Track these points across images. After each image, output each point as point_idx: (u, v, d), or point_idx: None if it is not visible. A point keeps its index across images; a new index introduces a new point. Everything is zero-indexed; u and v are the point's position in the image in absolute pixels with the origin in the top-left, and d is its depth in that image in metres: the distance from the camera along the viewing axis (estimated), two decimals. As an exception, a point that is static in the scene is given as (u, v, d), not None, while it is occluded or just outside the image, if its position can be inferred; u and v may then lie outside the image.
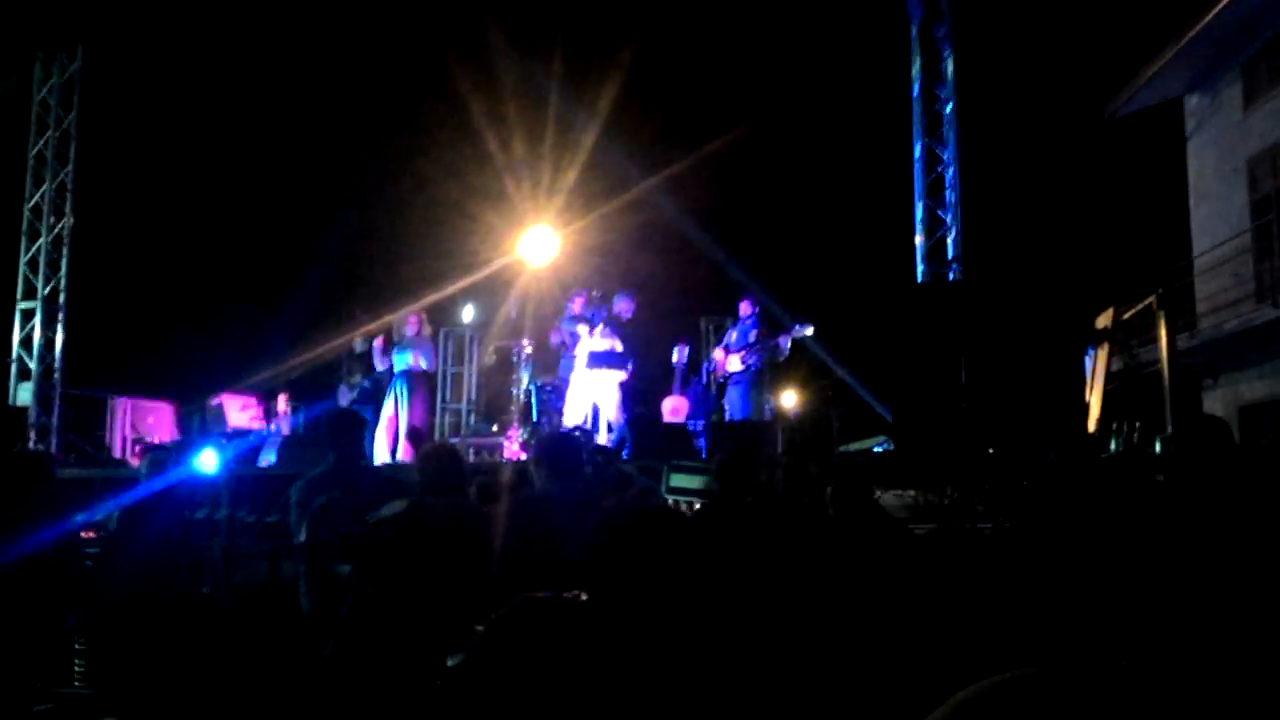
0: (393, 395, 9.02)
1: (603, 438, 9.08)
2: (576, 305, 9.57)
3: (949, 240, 9.56)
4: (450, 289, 10.54)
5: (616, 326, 9.28)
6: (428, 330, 9.23)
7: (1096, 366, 7.42)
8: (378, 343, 9.18)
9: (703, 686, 1.55)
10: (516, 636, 1.52)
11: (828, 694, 2.53)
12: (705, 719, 1.54)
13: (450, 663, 1.72)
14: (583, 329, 9.34)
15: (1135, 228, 10.34)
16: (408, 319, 9.14)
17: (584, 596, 1.67)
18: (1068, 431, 6.62)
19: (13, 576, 3.11)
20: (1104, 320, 7.61)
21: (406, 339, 9.06)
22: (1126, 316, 7.41)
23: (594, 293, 9.57)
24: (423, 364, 9.13)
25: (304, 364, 11.08)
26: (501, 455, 9.30)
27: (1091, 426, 6.96)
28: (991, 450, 6.65)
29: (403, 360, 9.02)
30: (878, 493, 7.37)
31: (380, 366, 9.16)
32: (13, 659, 3.17)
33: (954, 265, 9.32)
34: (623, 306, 9.35)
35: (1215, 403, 12.32)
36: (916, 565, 3.58)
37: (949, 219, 9.59)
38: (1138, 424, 7.08)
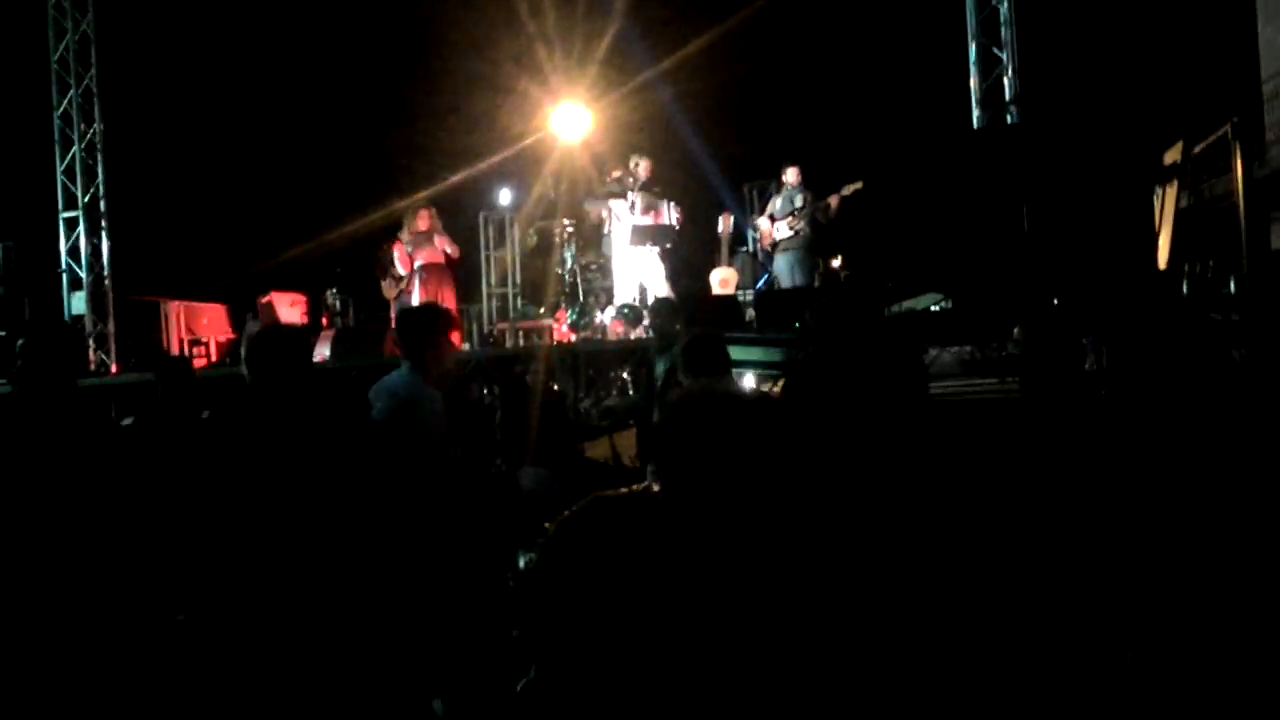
0: (421, 290, 9.04)
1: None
2: (612, 179, 9.34)
3: (1005, 81, 9.05)
4: (483, 166, 10.31)
5: (649, 193, 9.07)
6: (439, 224, 9.16)
7: (1165, 204, 7.08)
8: (398, 248, 9.13)
9: (795, 579, 1.46)
10: (588, 535, 1.44)
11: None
12: (796, 615, 1.46)
13: (521, 562, 1.64)
14: (619, 203, 9.14)
15: (1200, 56, 9.68)
16: (418, 214, 9.08)
17: (655, 488, 1.57)
18: (1138, 274, 6.35)
19: None
20: (1173, 155, 7.21)
21: (418, 236, 9.02)
22: (1198, 150, 7.00)
23: (629, 164, 9.34)
24: (443, 256, 9.13)
25: (347, 256, 11.04)
26: (550, 337, 9.26)
27: (1162, 265, 6.67)
28: (1057, 300, 6.42)
29: (420, 255, 9.03)
30: (934, 350, 7.23)
31: (403, 270, 9.15)
32: None
33: (1012, 108, 8.83)
34: (643, 170, 9.14)
35: (1285, 236, 11.79)
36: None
37: (1005, 57, 9.05)
38: (1210, 262, 6.76)
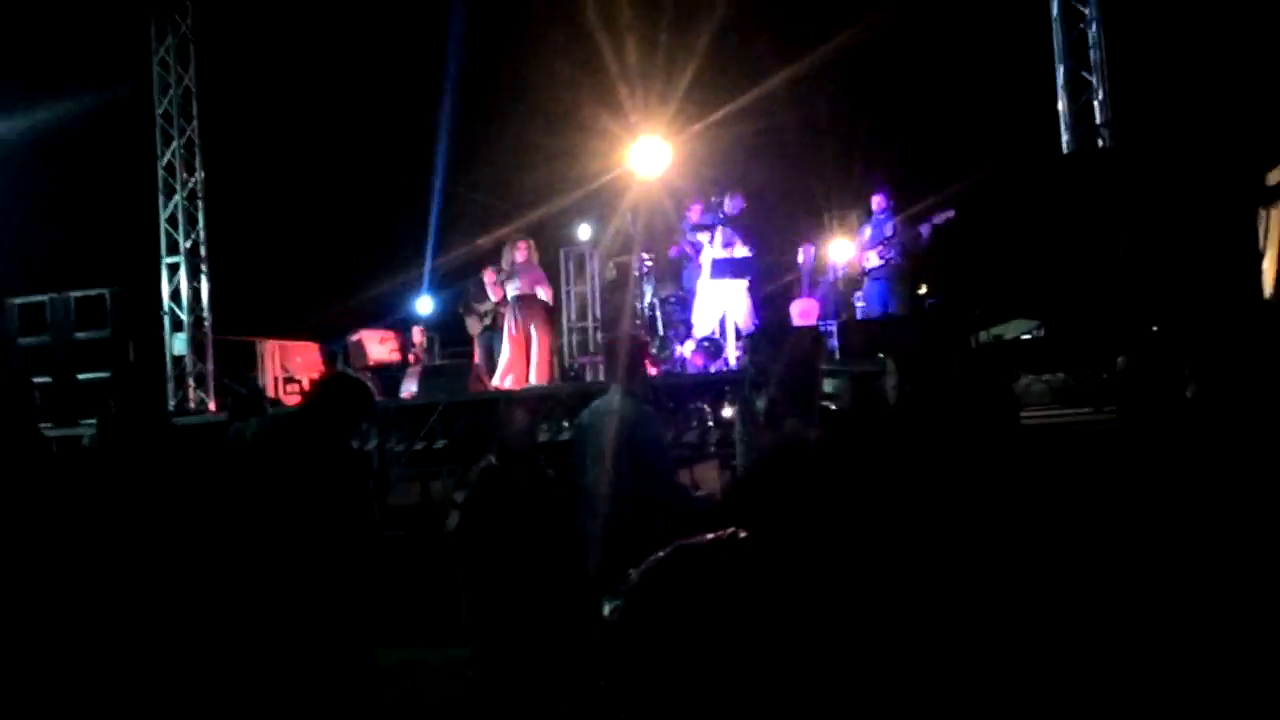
0: (513, 320, 9.10)
1: (732, 346, 8.93)
2: (695, 213, 9.37)
3: (1095, 103, 8.80)
4: (563, 203, 10.43)
5: (736, 228, 9.05)
6: (535, 256, 9.22)
7: (1271, 226, 6.78)
8: (488, 275, 9.24)
9: (875, 617, 1.42)
10: (674, 584, 1.41)
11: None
12: (884, 653, 1.40)
13: (606, 610, 1.62)
14: (703, 237, 9.15)
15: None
16: (516, 245, 9.16)
17: (742, 534, 1.54)
18: (1242, 299, 6.08)
19: None
20: (1276, 176, 6.92)
21: (516, 266, 9.09)
22: (1304, 168, 6.71)
23: (711, 199, 9.34)
24: (539, 292, 9.15)
25: (436, 294, 11.27)
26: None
27: (1268, 291, 6.38)
28: (1155, 326, 6.19)
29: (514, 287, 9.07)
30: (1025, 378, 7.02)
31: (494, 298, 9.23)
32: None
33: (1103, 130, 8.59)
34: (733, 205, 9.12)
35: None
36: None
37: (1094, 80, 8.81)
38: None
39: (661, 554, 1.49)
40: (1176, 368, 3.14)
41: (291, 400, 10.44)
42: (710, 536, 1.48)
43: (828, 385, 5.78)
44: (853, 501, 1.53)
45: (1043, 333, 7.77)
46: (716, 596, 1.41)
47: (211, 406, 11.01)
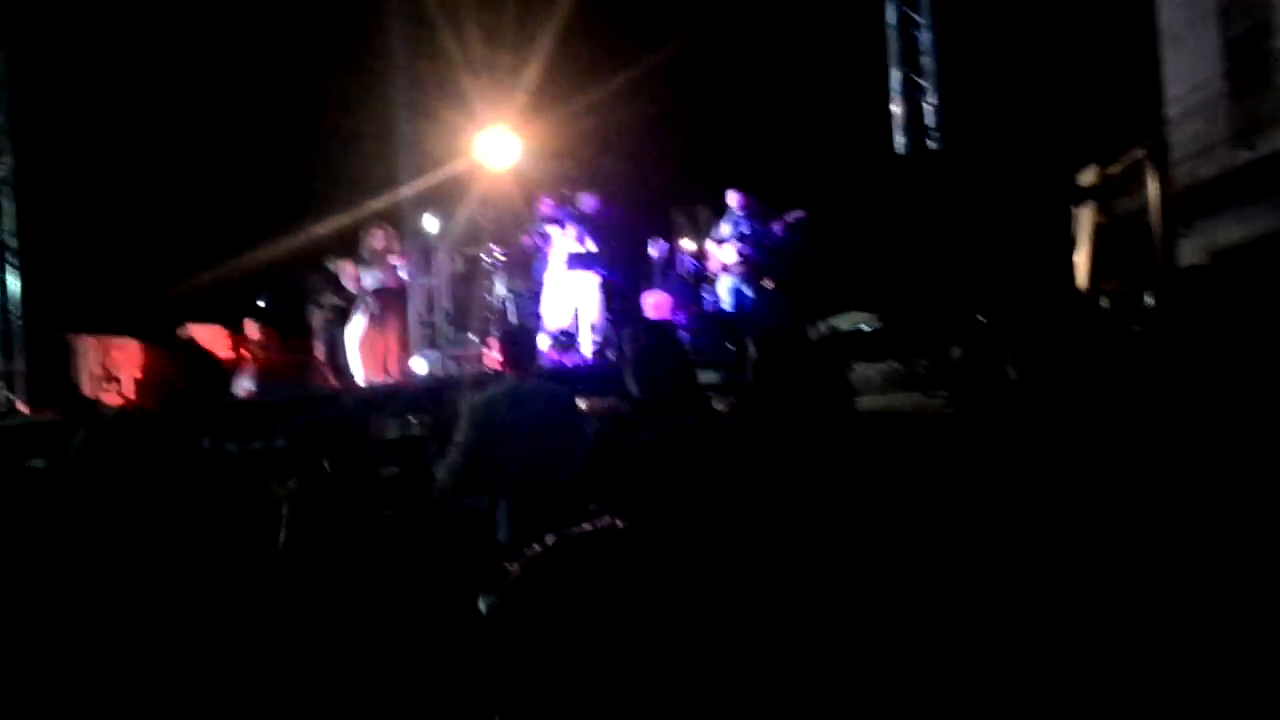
0: (367, 314, 8.83)
1: (585, 341, 8.94)
2: (546, 206, 9.31)
3: (927, 106, 9.25)
4: (407, 193, 10.15)
5: (589, 226, 9.05)
6: (396, 244, 8.97)
7: (1082, 225, 7.32)
8: (348, 266, 8.93)
9: (761, 612, 1.43)
10: (559, 575, 1.38)
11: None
12: (767, 648, 1.42)
13: (483, 606, 1.58)
14: (554, 230, 9.11)
15: (1110, 80, 10.07)
16: (373, 233, 8.88)
17: (620, 524, 1.53)
18: (1059, 291, 6.54)
19: None
20: (1088, 177, 7.46)
21: (375, 254, 8.81)
22: (1112, 171, 7.26)
23: (563, 192, 9.31)
24: (397, 281, 8.93)
25: (269, 288, 10.78)
26: (484, 365, 9.14)
27: (1081, 283, 6.88)
28: (982, 318, 6.57)
29: (373, 278, 8.80)
30: (859, 365, 7.32)
31: (352, 289, 8.93)
32: None
33: (934, 133, 9.05)
34: (587, 204, 9.13)
35: (1190, 250, 12.32)
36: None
37: (927, 85, 9.26)
38: (1127, 279, 7.00)
39: (538, 546, 1.46)
40: (1001, 355, 3.35)
41: (112, 400, 9.76)
42: (588, 527, 1.47)
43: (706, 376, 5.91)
44: (721, 491, 1.54)
45: (879, 324, 8.11)
46: (595, 587, 1.39)
47: (23, 409, 10.19)
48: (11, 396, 10.39)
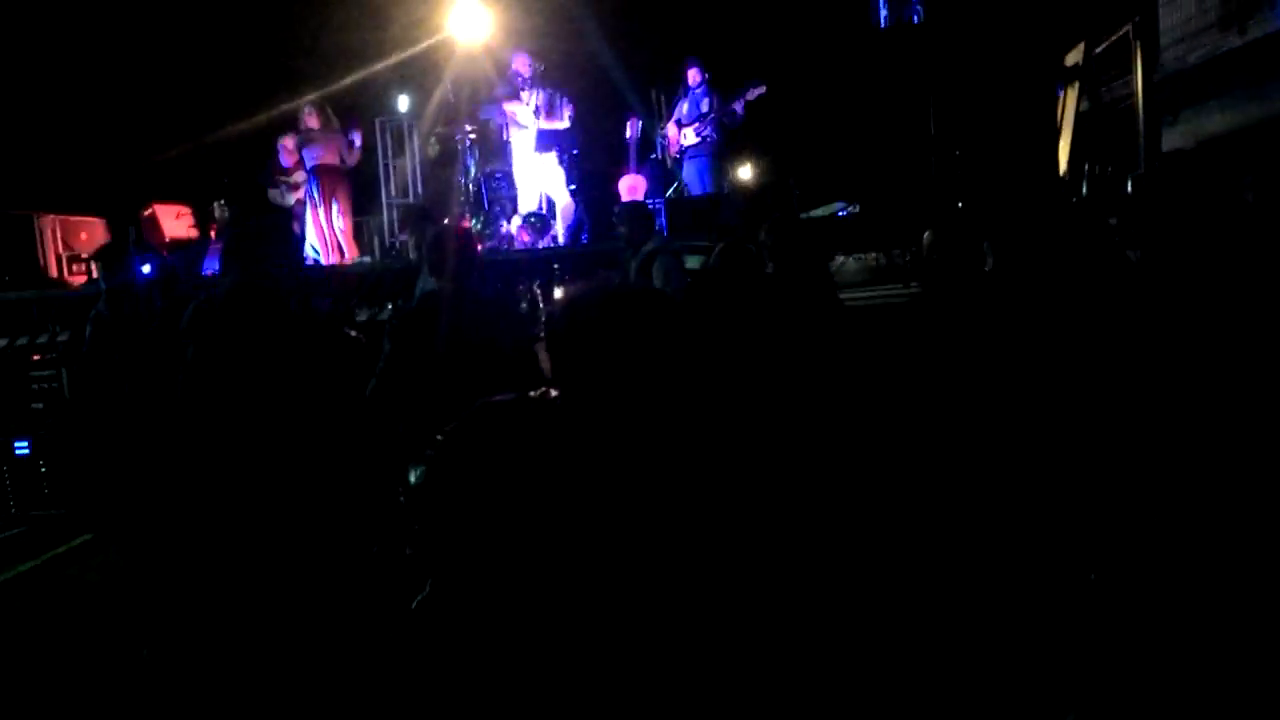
0: (310, 195, 8.68)
1: (560, 221, 8.79)
2: (521, 64, 8.88)
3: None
4: (377, 71, 9.79)
5: (544, 88, 8.69)
6: (335, 123, 8.71)
7: (1065, 107, 7.14)
8: (286, 140, 8.70)
9: (698, 487, 1.39)
10: (477, 445, 1.34)
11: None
12: (699, 524, 1.39)
13: (412, 478, 1.54)
14: (519, 108, 8.78)
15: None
16: (308, 112, 8.63)
17: (553, 393, 1.47)
18: (1038, 177, 6.42)
19: None
20: (1074, 57, 7.25)
21: (311, 133, 8.61)
22: (1098, 51, 7.06)
23: (516, 62, 8.94)
24: (337, 159, 8.71)
25: (234, 165, 10.48)
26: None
27: (1062, 169, 6.76)
28: (961, 204, 6.46)
29: (311, 156, 8.64)
30: (840, 258, 7.24)
31: (285, 164, 8.74)
32: None
33: (917, 7, 8.72)
34: (523, 64, 8.76)
35: (1176, 138, 12.14)
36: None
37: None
38: (1110, 168, 6.89)
39: (465, 415, 1.41)
40: (977, 243, 3.27)
41: (78, 280, 9.59)
42: (515, 395, 1.42)
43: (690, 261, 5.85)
44: (660, 361, 1.48)
45: (857, 211, 7.98)
46: (519, 454, 1.35)
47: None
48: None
